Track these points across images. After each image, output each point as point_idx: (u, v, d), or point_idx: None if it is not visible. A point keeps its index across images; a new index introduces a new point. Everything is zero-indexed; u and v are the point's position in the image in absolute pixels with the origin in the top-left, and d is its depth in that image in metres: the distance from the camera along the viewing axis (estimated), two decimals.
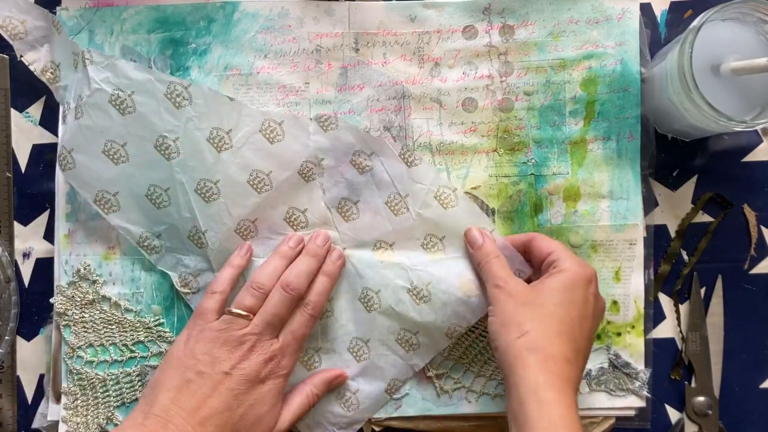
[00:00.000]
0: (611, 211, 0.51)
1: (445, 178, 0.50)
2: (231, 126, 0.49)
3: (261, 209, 0.50)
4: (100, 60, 0.49)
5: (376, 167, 0.50)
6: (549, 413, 0.39)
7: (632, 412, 0.51)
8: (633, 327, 0.51)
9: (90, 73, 0.49)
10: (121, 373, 0.51)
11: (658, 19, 0.53)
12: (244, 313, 0.46)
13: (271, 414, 0.46)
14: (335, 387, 0.50)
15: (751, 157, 0.53)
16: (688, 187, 0.53)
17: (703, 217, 0.53)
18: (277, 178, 0.50)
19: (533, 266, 0.48)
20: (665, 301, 0.52)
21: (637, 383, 0.51)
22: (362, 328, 0.50)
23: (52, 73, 0.52)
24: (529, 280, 0.47)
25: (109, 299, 0.52)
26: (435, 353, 0.50)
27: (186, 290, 0.51)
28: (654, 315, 0.52)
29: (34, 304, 0.53)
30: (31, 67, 0.52)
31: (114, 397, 0.51)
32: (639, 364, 0.51)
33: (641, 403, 0.51)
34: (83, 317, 0.51)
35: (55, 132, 0.53)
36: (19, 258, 0.53)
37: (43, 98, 0.53)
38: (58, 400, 0.52)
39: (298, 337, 0.48)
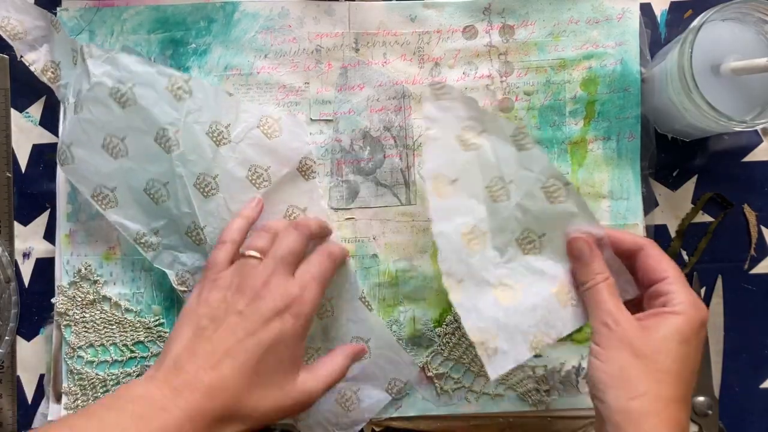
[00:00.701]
0: (611, 211, 0.51)
1: (556, 168, 0.43)
2: (230, 121, 0.49)
3: None
4: (99, 54, 0.48)
5: (484, 146, 0.45)
6: None
7: None
8: None
9: (89, 67, 0.48)
10: (121, 373, 0.51)
11: (658, 19, 0.53)
12: (256, 254, 0.44)
13: (293, 359, 0.42)
14: (358, 359, 0.49)
15: (751, 157, 0.53)
16: (688, 187, 0.53)
17: (703, 217, 0.53)
18: (276, 174, 0.50)
19: (638, 282, 0.43)
20: None
21: None
22: (362, 327, 0.50)
23: (53, 72, 0.52)
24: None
25: (110, 299, 0.52)
26: (515, 364, 0.43)
27: (183, 288, 0.51)
28: None
29: (34, 304, 0.53)
30: (32, 68, 0.52)
31: None
32: None
33: None
34: (84, 317, 0.52)
35: (55, 132, 0.53)
36: (19, 258, 0.53)
37: (43, 98, 0.53)
38: (58, 400, 0.52)
39: (316, 276, 0.44)
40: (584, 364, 0.51)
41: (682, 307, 0.39)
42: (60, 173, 0.52)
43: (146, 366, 0.51)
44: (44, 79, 0.52)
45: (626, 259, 0.43)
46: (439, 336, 0.51)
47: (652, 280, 0.40)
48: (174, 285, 0.51)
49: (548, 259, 0.44)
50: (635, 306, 0.42)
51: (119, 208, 0.50)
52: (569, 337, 0.51)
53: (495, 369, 0.42)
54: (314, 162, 0.50)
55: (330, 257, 0.46)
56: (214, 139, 0.49)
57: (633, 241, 0.42)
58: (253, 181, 0.49)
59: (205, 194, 0.49)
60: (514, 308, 0.43)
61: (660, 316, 0.39)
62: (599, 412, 0.39)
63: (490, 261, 0.44)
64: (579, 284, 0.42)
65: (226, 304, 0.42)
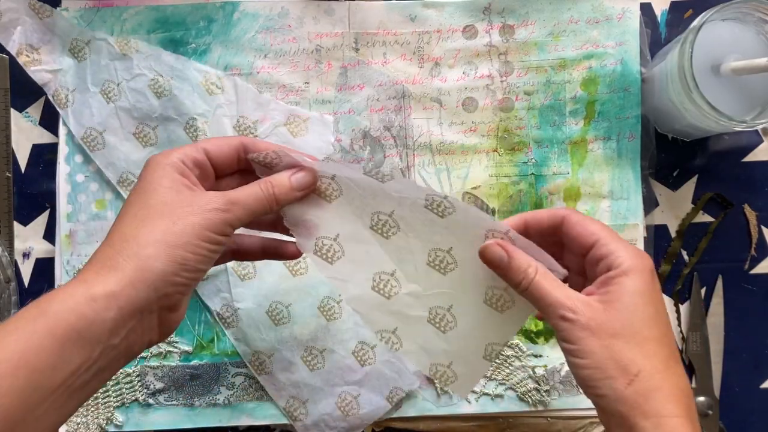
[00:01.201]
0: (612, 211, 0.51)
1: (429, 186, 0.43)
2: (258, 117, 0.51)
3: None
4: (145, 50, 0.52)
5: (345, 188, 0.40)
6: None
7: None
8: None
9: (134, 61, 0.51)
10: (120, 373, 0.51)
11: (659, 18, 0.53)
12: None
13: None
14: (303, 187, 0.39)
15: (751, 157, 0.53)
16: (689, 187, 0.53)
17: (704, 217, 0.52)
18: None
19: (568, 256, 0.39)
20: (666, 301, 0.52)
21: None
22: (369, 332, 0.50)
23: (27, 55, 0.52)
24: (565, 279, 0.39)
25: None
26: (477, 380, 0.43)
27: None
28: None
29: None
30: (8, 47, 0.52)
31: (114, 397, 0.51)
32: None
33: None
34: None
35: (55, 132, 0.53)
36: (19, 258, 0.53)
37: (43, 98, 0.53)
38: None
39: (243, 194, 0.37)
40: None
41: (627, 264, 0.35)
42: (60, 173, 0.52)
43: (146, 366, 0.51)
44: (20, 61, 0.52)
45: (550, 236, 0.39)
46: None
47: (585, 247, 0.37)
48: None
49: (467, 271, 0.40)
50: (579, 276, 0.39)
51: None
52: None
53: (463, 391, 0.42)
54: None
55: (271, 187, 0.38)
56: (241, 132, 0.50)
57: (551, 214, 0.39)
58: None
59: None
60: (455, 332, 0.41)
61: (611, 284, 0.36)
62: (600, 407, 0.36)
63: (413, 296, 0.41)
64: (513, 288, 0.38)
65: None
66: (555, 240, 0.39)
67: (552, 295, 0.36)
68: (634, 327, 0.35)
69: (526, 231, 0.39)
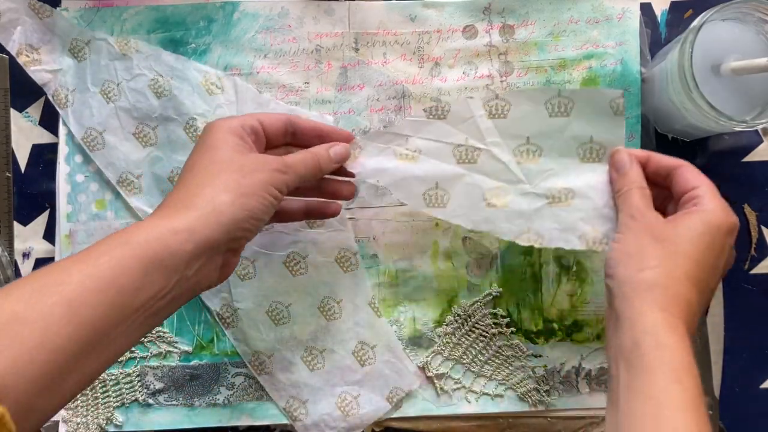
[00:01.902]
0: None
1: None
2: None
3: None
4: (145, 50, 0.51)
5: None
6: (670, 360, 0.35)
7: None
8: None
9: (134, 61, 0.51)
10: (120, 373, 0.51)
11: (659, 18, 0.53)
12: None
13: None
14: (340, 159, 0.45)
15: (751, 157, 0.53)
16: None
17: None
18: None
19: (674, 197, 0.43)
20: None
21: None
22: (369, 332, 0.51)
23: (27, 55, 0.52)
24: (665, 214, 0.42)
25: None
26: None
27: None
28: None
29: None
30: (8, 47, 0.52)
31: (114, 397, 0.51)
32: None
33: None
34: None
35: (55, 132, 0.53)
36: (19, 258, 0.53)
37: (43, 98, 0.53)
38: None
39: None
40: (584, 364, 0.51)
41: (710, 206, 0.40)
42: (60, 173, 0.52)
43: (146, 366, 0.51)
44: (19, 61, 0.52)
45: (663, 179, 0.44)
46: (439, 336, 0.51)
47: (686, 189, 0.41)
48: None
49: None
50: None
51: (143, 195, 0.51)
52: (569, 337, 0.51)
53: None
54: None
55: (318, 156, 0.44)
56: None
57: (673, 160, 0.43)
58: None
59: None
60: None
61: (688, 214, 0.40)
62: (609, 292, 0.40)
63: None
64: (615, 192, 0.44)
65: None
66: (666, 187, 0.44)
67: (637, 201, 0.41)
68: (679, 240, 0.39)
69: (647, 163, 0.44)
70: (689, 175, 0.42)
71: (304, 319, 0.51)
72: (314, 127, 0.45)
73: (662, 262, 0.38)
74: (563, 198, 0.46)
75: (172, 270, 0.35)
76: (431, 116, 0.47)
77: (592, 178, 0.46)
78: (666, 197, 0.44)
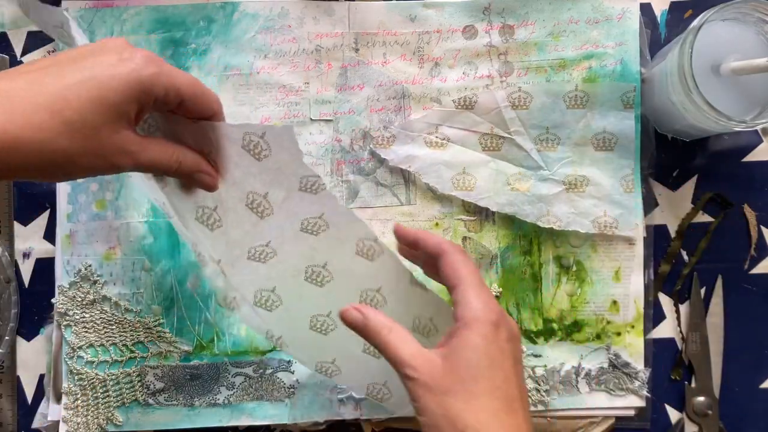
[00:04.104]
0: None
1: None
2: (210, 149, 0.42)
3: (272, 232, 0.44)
4: None
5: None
6: None
7: (632, 412, 0.51)
8: (633, 327, 0.51)
9: None
10: (121, 373, 0.51)
11: (658, 19, 0.53)
12: None
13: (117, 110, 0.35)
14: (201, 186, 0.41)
15: (751, 157, 0.53)
16: (688, 187, 0.53)
17: (703, 217, 0.52)
18: (276, 200, 0.43)
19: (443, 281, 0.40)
20: (665, 301, 0.52)
21: (637, 383, 0.51)
22: (425, 308, 0.45)
23: None
24: None
25: (110, 299, 0.52)
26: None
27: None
28: (654, 315, 0.52)
29: (34, 304, 0.53)
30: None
31: (114, 397, 0.51)
32: (639, 364, 0.51)
33: (641, 403, 0.51)
34: (84, 317, 0.52)
35: None
36: (19, 258, 0.53)
37: None
38: (58, 400, 0.52)
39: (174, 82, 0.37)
40: (584, 364, 0.51)
41: (470, 316, 0.37)
42: None
43: (146, 366, 0.51)
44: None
45: (433, 263, 0.41)
46: None
47: (450, 287, 0.39)
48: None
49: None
50: None
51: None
52: (569, 337, 0.51)
53: (399, 407, 0.47)
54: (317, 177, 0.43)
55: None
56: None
57: (436, 244, 0.40)
58: (255, 211, 0.44)
59: (211, 228, 0.44)
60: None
61: (454, 336, 0.37)
62: None
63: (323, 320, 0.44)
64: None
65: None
66: (434, 266, 0.41)
67: (399, 353, 0.37)
68: (465, 382, 0.35)
69: (416, 246, 0.42)
70: (449, 270, 0.39)
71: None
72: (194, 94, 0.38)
73: (466, 419, 0.35)
74: (579, 184, 0.50)
75: None
76: (459, 107, 0.50)
77: (604, 167, 0.50)
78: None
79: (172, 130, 0.41)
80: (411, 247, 0.42)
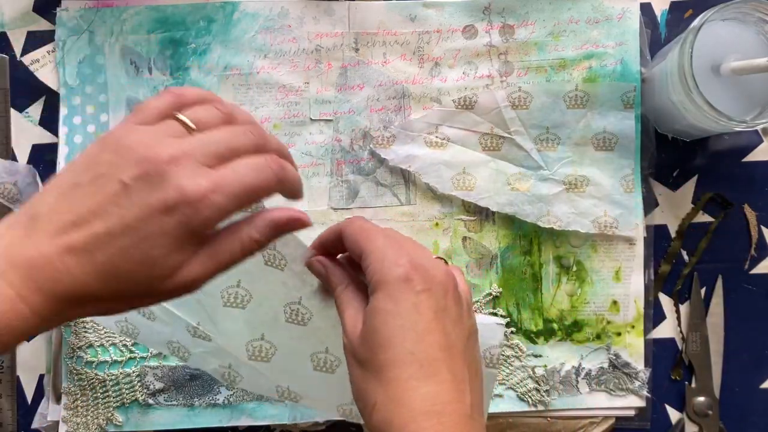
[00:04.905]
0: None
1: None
2: None
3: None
4: None
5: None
6: None
7: (632, 412, 0.51)
8: (633, 327, 0.51)
9: None
10: (120, 373, 0.51)
11: (658, 18, 0.53)
12: (189, 122, 0.32)
13: (168, 261, 0.30)
14: (288, 231, 0.34)
15: (751, 157, 0.53)
16: (689, 187, 0.53)
17: (704, 217, 0.52)
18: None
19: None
20: (665, 301, 0.52)
21: (637, 383, 0.51)
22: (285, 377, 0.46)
23: None
24: None
25: None
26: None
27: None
28: (654, 315, 0.52)
29: None
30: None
31: (114, 397, 0.51)
32: (639, 364, 0.51)
33: (641, 403, 0.51)
34: (83, 317, 0.51)
35: (55, 132, 0.53)
36: None
37: (43, 98, 0.53)
38: (58, 400, 0.52)
39: (241, 179, 0.31)
40: (584, 364, 0.51)
41: (375, 278, 0.33)
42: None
43: (146, 366, 0.51)
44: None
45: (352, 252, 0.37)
46: None
47: (359, 261, 0.35)
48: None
49: (322, 313, 0.41)
50: None
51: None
52: (569, 337, 0.51)
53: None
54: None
55: (273, 165, 0.32)
56: None
57: (332, 230, 0.37)
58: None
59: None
60: (343, 368, 0.41)
61: (369, 302, 0.33)
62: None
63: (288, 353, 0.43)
64: None
65: (119, 161, 0.30)
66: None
67: (343, 316, 0.35)
68: (374, 352, 0.32)
69: (326, 251, 0.38)
70: (350, 243, 0.35)
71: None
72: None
73: (373, 394, 0.32)
74: (579, 184, 0.50)
75: None
76: (459, 107, 0.50)
77: (604, 167, 0.50)
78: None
79: None
80: (323, 252, 0.38)
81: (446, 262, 0.35)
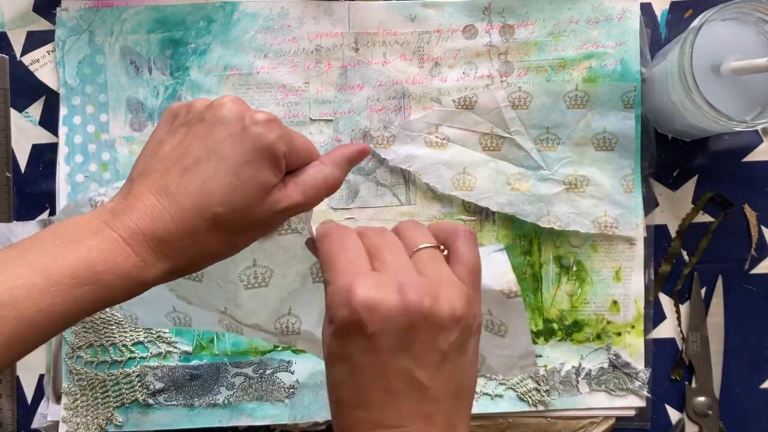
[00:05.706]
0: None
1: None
2: None
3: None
4: None
5: None
6: None
7: (632, 412, 0.51)
8: (633, 327, 0.51)
9: None
10: (120, 373, 0.51)
11: (659, 18, 0.53)
12: None
13: (259, 177, 0.33)
14: (357, 163, 0.37)
15: (751, 157, 0.53)
16: (689, 187, 0.53)
17: (704, 217, 0.52)
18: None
19: None
20: (665, 301, 0.52)
21: (637, 383, 0.51)
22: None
23: None
24: None
25: None
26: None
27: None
28: (654, 315, 0.52)
29: None
30: None
31: (114, 397, 0.51)
32: (639, 364, 0.51)
33: (641, 403, 0.51)
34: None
35: (55, 132, 0.53)
36: None
37: (43, 98, 0.53)
38: (58, 400, 0.52)
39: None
40: (584, 364, 0.51)
41: (327, 314, 0.31)
42: (60, 173, 0.52)
43: (146, 366, 0.51)
44: None
45: None
46: None
47: None
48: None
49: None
50: None
51: None
52: (569, 337, 0.51)
53: None
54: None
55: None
56: None
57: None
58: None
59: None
60: None
61: None
62: None
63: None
64: None
65: (185, 112, 0.34)
66: None
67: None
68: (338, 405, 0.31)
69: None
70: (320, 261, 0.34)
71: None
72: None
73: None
74: (579, 184, 0.50)
75: None
76: (459, 107, 0.50)
77: (604, 166, 0.50)
78: None
79: None
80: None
81: (441, 249, 0.33)
